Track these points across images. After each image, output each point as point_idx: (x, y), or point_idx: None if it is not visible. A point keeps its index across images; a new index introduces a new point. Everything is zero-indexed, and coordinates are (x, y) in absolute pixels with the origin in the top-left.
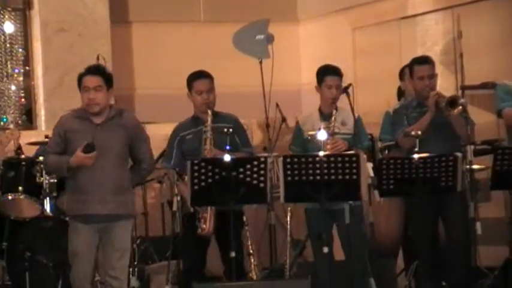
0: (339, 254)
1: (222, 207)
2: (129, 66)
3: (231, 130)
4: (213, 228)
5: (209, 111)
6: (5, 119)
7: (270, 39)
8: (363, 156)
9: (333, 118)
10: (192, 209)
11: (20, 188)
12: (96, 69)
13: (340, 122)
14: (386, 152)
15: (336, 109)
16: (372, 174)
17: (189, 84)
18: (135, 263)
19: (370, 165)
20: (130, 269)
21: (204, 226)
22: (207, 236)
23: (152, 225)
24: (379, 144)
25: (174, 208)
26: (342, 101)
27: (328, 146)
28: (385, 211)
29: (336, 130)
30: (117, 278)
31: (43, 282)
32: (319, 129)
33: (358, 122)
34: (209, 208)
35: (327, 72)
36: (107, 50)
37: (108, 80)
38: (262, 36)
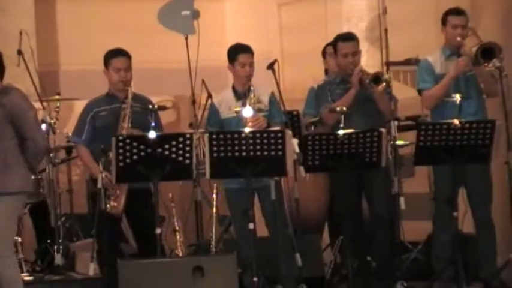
0: (261, 231)
1: (133, 184)
2: (53, 42)
3: (156, 106)
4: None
5: (130, 89)
6: None
7: (195, 14)
8: (289, 133)
9: (252, 95)
10: (102, 188)
11: None
12: None
13: (256, 100)
14: (312, 128)
15: (251, 86)
16: (297, 150)
17: (107, 61)
18: (60, 240)
19: (295, 141)
20: (55, 247)
21: (115, 204)
22: (117, 214)
23: (77, 202)
24: (305, 120)
25: (99, 185)
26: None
27: (250, 124)
28: (311, 187)
29: (255, 107)
30: None
31: None
32: (243, 105)
33: (272, 98)
34: (122, 186)
35: (239, 51)
36: (30, 25)
37: None
38: (188, 12)
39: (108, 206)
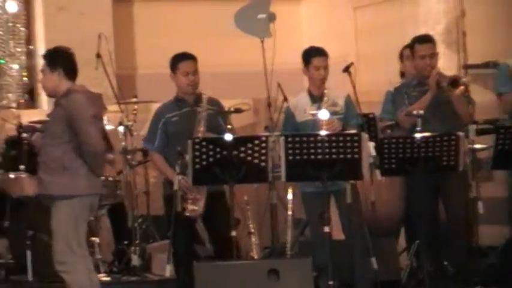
0: (337, 234)
1: (214, 187)
2: (131, 45)
3: (232, 109)
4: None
5: (203, 93)
6: None
7: (271, 18)
8: (365, 136)
9: (326, 99)
10: (178, 190)
11: (22, 166)
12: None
13: (331, 103)
14: (389, 131)
15: (325, 90)
16: (373, 153)
17: (174, 66)
18: (137, 241)
19: (372, 144)
20: (132, 248)
21: (195, 207)
22: (195, 217)
23: (153, 204)
24: (381, 123)
25: (175, 187)
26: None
27: (325, 127)
28: (387, 190)
29: (330, 110)
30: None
31: (45, 260)
32: (319, 108)
33: (347, 101)
34: (201, 189)
35: (313, 54)
36: (109, 28)
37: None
38: (264, 15)
39: (186, 209)
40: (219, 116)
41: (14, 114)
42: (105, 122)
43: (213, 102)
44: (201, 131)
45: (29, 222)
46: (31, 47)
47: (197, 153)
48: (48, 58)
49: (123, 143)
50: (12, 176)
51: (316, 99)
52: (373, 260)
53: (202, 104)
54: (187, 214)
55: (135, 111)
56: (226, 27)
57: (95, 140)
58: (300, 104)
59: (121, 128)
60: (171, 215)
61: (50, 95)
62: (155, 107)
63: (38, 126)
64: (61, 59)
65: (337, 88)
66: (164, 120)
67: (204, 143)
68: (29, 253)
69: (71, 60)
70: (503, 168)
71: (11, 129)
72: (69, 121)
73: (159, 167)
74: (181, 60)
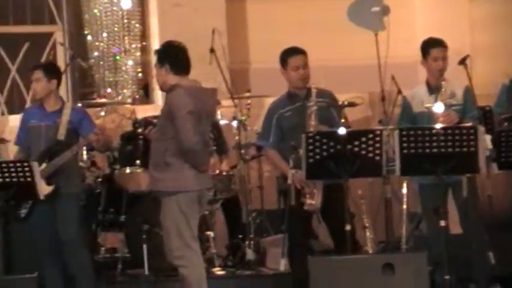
0: (454, 228)
1: (328, 181)
2: (244, 40)
3: (346, 103)
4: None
5: (313, 87)
6: None
7: (385, 11)
8: (481, 129)
9: (443, 90)
10: (292, 184)
11: (138, 161)
12: None
13: (449, 94)
14: (506, 124)
15: (442, 81)
16: (490, 146)
17: (284, 61)
18: (251, 236)
19: (488, 137)
20: (246, 242)
21: (313, 202)
22: (313, 211)
23: (267, 198)
24: (498, 116)
25: (289, 181)
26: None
27: (441, 119)
28: (504, 184)
29: (447, 102)
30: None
31: (161, 254)
32: (436, 99)
33: (467, 92)
34: (317, 183)
35: (432, 45)
36: (222, 24)
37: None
38: (377, 8)
39: (304, 203)
40: (331, 108)
41: (130, 109)
42: (218, 116)
43: (325, 95)
44: (312, 124)
45: (145, 216)
46: (145, 43)
47: (311, 148)
48: (157, 53)
49: (237, 138)
50: (128, 171)
51: (434, 90)
52: (491, 254)
53: (312, 98)
54: (306, 208)
55: (248, 106)
56: (339, 21)
57: (187, 136)
58: (417, 95)
59: (235, 123)
60: (285, 209)
61: (162, 90)
62: (268, 101)
63: (153, 121)
64: (168, 54)
65: (455, 79)
66: (277, 116)
67: (317, 137)
68: (145, 247)
69: (179, 54)
70: None
71: (126, 125)
72: (170, 117)
73: (274, 162)
74: (290, 55)
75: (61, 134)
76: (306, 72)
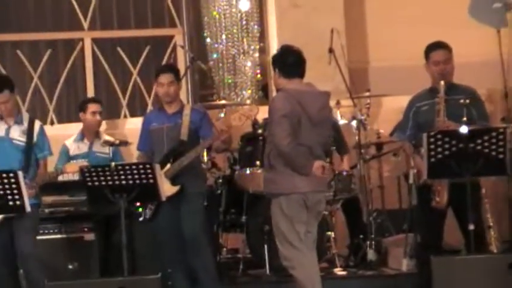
0: None
1: (460, 179)
2: (362, 38)
3: (467, 101)
4: (448, 201)
5: (442, 82)
6: None
7: (508, 7)
8: None
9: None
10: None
11: (258, 162)
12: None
13: None
14: None
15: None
16: None
17: (427, 55)
18: (372, 235)
19: None
20: (368, 242)
21: (438, 199)
22: (441, 208)
23: (388, 198)
24: None
25: (410, 181)
26: None
27: None
28: None
29: None
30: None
31: None
32: None
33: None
34: (443, 181)
35: (432, 48)
36: (341, 23)
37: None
38: (499, 5)
39: (434, 200)
40: (471, 104)
41: (255, 111)
42: (338, 117)
43: (466, 91)
44: (440, 121)
45: (266, 217)
46: (263, 44)
47: (432, 147)
48: (272, 58)
49: (356, 138)
50: (248, 172)
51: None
52: None
53: (440, 94)
54: (433, 205)
55: (368, 105)
56: (460, 17)
57: (278, 139)
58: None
59: (354, 122)
60: (422, 207)
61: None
62: (388, 100)
63: None
64: (277, 59)
65: None
66: (414, 109)
67: (439, 136)
68: (266, 247)
69: (289, 59)
70: None
71: (247, 126)
72: (270, 120)
73: (409, 156)
74: (432, 49)
75: (184, 134)
76: (447, 68)
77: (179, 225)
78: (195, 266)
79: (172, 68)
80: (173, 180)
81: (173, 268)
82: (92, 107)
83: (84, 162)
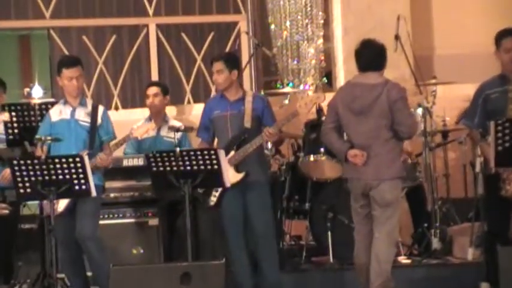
0: None
1: None
2: (428, 25)
3: None
4: None
5: None
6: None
7: None
8: None
9: None
10: (494, 170)
11: (322, 149)
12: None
13: None
14: None
15: None
16: None
17: (497, 42)
18: (437, 224)
19: None
20: (432, 231)
21: (509, 188)
22: (510, 197)
23: (453, 186)
24: None
25: (477, 169)
26: None
27: None
28: None
29: None
30: None
31: (345, 242)
32: None
33: None
34: None
35: (503, 35)
36: (406, 9)
37: None
38: None
39: (504, 190)
40: None
41: (321, 98)
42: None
43: None
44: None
45: (329, 204)
46: (327, 31)
47: (500, 135)
48: None
49: (422, 125)
50: (312, 159)
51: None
52: None
53: None
54: (503, 194)
55: (434, 93)
56: None
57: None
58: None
59: (419, 110)
60: (490, 196)
61: None
62: (454, 88)
63: None
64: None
65: None
66: (484, 96)
67: (506, 124)
68: (329, 235)
69: (356, 53)
70: None
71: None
72: None
73: (476, 144)
74: (503, 36)
75: (247, 122)
76: None
77: (243, 211)
78: (259, 253)
79: (222, 56)
80: (237, 168)
81: (236, 254)
82: (151, 90)
83: (151, 124)
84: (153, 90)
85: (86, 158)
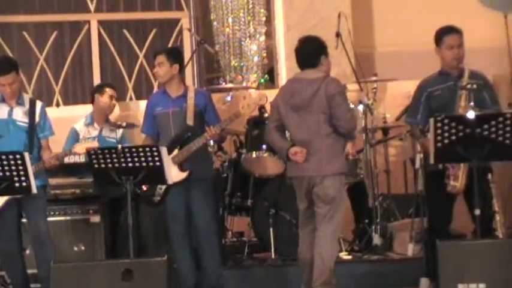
0: None
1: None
2: (368, 23)
3: (474, 86)
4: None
5: (466, 67)
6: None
7: None
8: None
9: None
10: (440, 166)
11: (264, 146)
12: None
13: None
14: None
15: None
16: None
17: (439, 39)
18: (378, 220)
19: None
20: (373, 227)
21: (456, 184)
22: (457, 193)
23: (394, 182)
24: None
25: (417, 165)
26: None
27: None
28: None
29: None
30: None
31: (287, 238)
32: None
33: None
34: (462, 165)
35: (446, 32)
36: (347, 7)
37: None
38: None
39: (448, 185)
40: (483, 89)
41: (264, 100)
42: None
43: (477, 76)
44: (462, 106)
45: (271, 201)
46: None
47: (439, 131)
48: None
49: (363, 122)
50: (254, 155)
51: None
52: None
53: (464, 79)
54: (449, 190)
55: (374, 90)
56: (468, 2)
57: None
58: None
59: (360, 107)
60: (432, 191)
61: None
62: (394, 85)
63: None
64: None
65: None
66: (426, 94)
67: (446, 121)
68: (271, 231)
69: (296, 50)
70: None
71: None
72: None
73: (416, 141)
74: (447, 33)
75: (190, 119)
76: (461, 52)
77: (187, 208)
78: (202, 250)
79: (164, 50)
80: (181, 166)
81: (178, 251)
82: (110, 91)
83: (94, 143)
84: (113, 92)
85: (27, 155)
